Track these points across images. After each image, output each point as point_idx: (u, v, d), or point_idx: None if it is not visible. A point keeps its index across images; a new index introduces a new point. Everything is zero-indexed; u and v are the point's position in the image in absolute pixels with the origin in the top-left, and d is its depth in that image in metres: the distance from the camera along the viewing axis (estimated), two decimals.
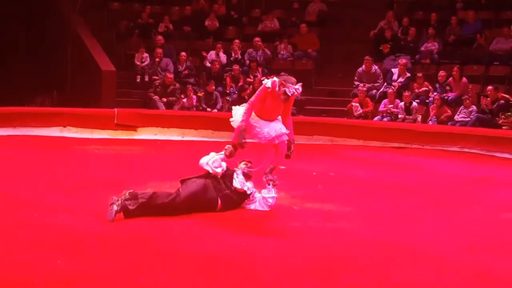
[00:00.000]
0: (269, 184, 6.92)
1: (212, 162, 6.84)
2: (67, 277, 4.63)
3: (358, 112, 14.94)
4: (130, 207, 6.21)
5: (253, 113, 6.96)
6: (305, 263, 5.19)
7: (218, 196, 6.65)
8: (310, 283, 4.76)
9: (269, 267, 5.06)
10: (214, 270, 4.93)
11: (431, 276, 4.98)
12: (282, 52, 17.46)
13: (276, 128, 6.93)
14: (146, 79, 16.23)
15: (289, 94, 6.77)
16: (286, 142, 6.98)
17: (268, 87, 6.82)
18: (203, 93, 15.68)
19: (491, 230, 6.48)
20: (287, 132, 6.99)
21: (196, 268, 4.95)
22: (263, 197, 6.90)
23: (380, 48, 16.88)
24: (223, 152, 6.91)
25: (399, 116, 14.59)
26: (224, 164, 6.90)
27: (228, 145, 6.96)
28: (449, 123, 14.16)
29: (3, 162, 9.35)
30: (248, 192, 6.83)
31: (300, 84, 6.87)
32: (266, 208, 6.87)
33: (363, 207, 7.32)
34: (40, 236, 5.57)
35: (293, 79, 6.88)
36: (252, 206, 6.90)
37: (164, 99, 15.29)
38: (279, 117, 7.04)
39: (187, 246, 5.52)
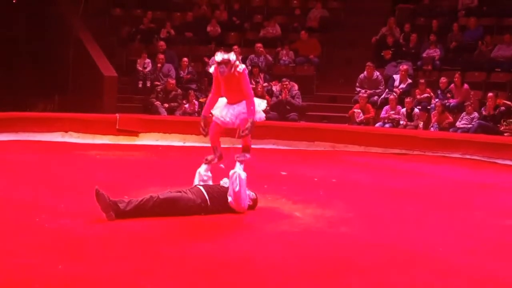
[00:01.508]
0: (241, 163, 6.97)
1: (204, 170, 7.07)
2: (68, 281, 4.63)
3: (360, 118, 14.94)
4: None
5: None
6: (307, 268, 5.19)
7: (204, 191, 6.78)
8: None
9: (270, 271, 5.05)
10: (215, 274, 4.93)
11: (432, 280, 4.98)
12: (283, 58, 17.47)
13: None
14: (148, 84, 16.25)
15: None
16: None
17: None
18: (205, 98, 15.67)
19: (492, 236, 6.47)
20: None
21: (197, 271, 4.95)
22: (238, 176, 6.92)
23: (382, 54, 16.90)
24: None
25: (401, 122, 14.59)
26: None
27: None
28: (451, 130, 14.15)
29: (5, 166, 9.36)
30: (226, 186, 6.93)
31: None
32: (237, 187, 6.86)
33: (364, 213, 7.32)
34: (41, 240, 5.57)
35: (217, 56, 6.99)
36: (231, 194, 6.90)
37: (166, 105, 15.31)
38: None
39: (188, 249, 5.52)
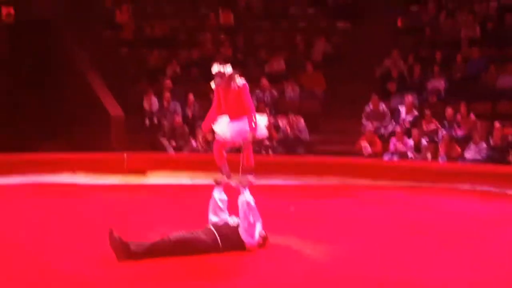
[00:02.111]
0: (244, 188, 6.95)
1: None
2: None
3: (367, 151, 14.93)
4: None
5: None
6: None
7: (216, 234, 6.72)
8: None
9: None
10: None
11: None
12: (289, 92, 17.54)
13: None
14: (155, 122, 16.30)
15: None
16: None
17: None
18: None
19: (506, 269, 6.42)
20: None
21: None
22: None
23: (387, 86, 16.94)
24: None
25: (409, 154, 14.57)
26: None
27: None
28: (459, 161, 14.12)
29: (14, 209, 9.38)
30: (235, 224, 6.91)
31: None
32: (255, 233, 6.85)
33: (375, 248, 7.28)
34: (49, 281, 5.57)
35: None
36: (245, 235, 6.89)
37: (173, 143, 15.35)
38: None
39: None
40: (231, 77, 6.92)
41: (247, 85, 6.99)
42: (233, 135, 7.03)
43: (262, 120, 7.26)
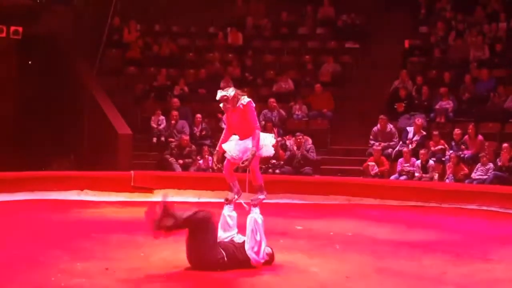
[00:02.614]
0: (255, 206, 6.98)
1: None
2: None
3: (374, 171, 14.91)
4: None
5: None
6: None
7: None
8: None
9: None
10: None
11: None
12: (297, 112, 17.55)
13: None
14: (162, 141, 16.33)
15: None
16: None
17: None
18: None
19: None
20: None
21: None
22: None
23: (395, 107, 16.94)
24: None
25: (416, 174, 14.54)
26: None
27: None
28: (466, 181, 14.07)
29: (21, 225, 9.39)
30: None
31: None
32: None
33: (382, 267, 7.24)
34: None
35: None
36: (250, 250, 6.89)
37: (180, 161, 15.37)
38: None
39: None
40: (235, 98, 6.92)
41: (251, 102, 6.97)
42: (238, 154, 7.03)
43: (269, 139, 7.25)
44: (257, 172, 7.17)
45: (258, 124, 7.05)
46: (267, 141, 7.20)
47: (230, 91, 6.94)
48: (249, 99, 6.97)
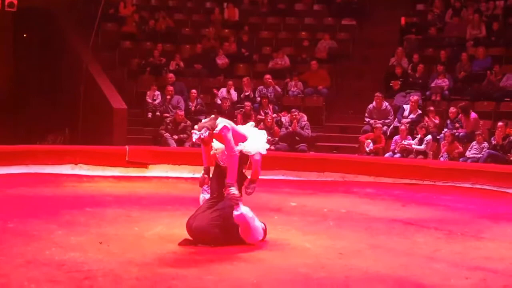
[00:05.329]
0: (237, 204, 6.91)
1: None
2: None
3: (369, 148, 14.92)
4: None
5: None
6: None
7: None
8: None
9: None
10: None
11: None
12: (292, 89, 17.54)
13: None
14: (158, 116, 16.31)
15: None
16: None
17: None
18: None
19: (505, 268, 6.41)
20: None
21: None
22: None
23: (391, 84, 16.93)
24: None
25: (413, 146, 14.50)
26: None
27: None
28: (461, 160, 14.11)
29: (15, 199, 9.39)
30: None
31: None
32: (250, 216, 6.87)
33: (375, 244, 7.27)
34: (52, 273, 5.56)
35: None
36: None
37: (175, 136, 15.37)
38: None
39: (196, 281, 5.50)
40: (211, 136, 6.78)
41: (225, 127, 6.75)
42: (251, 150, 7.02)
43: (261, 138, 7.21)
44: (259, 167, 7.12)
45: (235, 151, 6.87)
46: (260, 143, 7.14)
47: (204, 132, 6.76)
48: (221, 126, 6.79)
